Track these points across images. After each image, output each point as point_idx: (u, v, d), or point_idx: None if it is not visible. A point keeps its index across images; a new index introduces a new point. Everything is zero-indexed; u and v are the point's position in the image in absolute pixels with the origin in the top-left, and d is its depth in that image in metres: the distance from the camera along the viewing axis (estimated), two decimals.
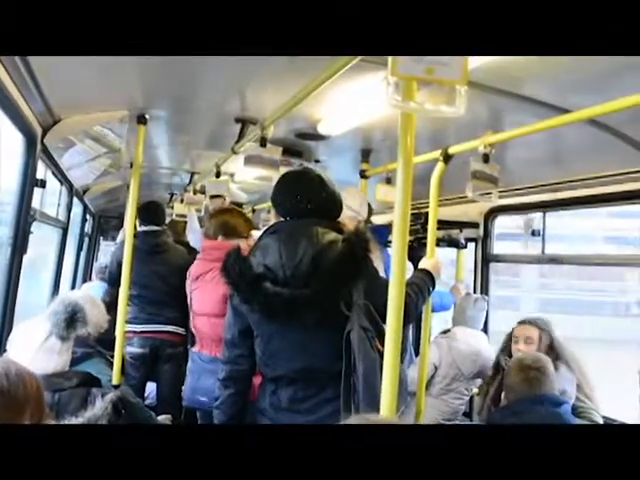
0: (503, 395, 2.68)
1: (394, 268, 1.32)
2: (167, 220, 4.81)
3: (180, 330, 4.23)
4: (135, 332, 4.16)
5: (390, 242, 4.00)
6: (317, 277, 2.01)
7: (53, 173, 3.78)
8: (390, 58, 1.11)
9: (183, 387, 3.53)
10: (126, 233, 3.11)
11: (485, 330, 3.84)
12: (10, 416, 1.47)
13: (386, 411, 1.35)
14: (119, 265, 4.45)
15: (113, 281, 4.52)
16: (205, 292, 3.17)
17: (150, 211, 4.43)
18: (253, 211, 5.77)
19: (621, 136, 2.39)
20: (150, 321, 4.19)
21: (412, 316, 2.36)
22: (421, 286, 2.29)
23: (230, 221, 3.24)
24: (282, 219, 2.25)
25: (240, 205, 5.01)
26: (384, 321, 1.99)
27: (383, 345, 1.95)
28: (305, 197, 2.18)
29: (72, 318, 2.28)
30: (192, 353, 3.33)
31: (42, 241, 4.53)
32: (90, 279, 6.63)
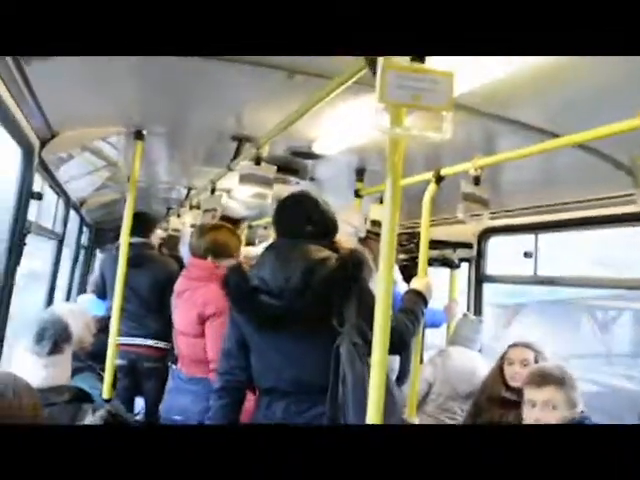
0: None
1: (380, 287, 1.35)
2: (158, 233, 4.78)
3: (161, 344, 4.16)
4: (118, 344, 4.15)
5: None
6: (308, 291, 2.07)
7: (50, 185, 3.80)
8: (377, 85, 1.14)
9: (160, 405, 3.49)
10: (121, 246, 3.11)
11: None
12: None
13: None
14: (102, 276, 4.49)
15: (98, 292, 4.55)
16: (183, 311, 3.14)
17: (134, 222, 4.42)
18: (250, 227, 5.77)
19: (610, 160, 2.43)
20: (129, 334, 4.10)
21: (410, 344, 2.38)
22: (416, 312, 2.35)
23: (220, 239, 3.21)
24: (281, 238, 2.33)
25: (238, 221, 4.99)
26: None
27: None
28: (301, 220, 2.27)
29: (42, 335, 2.21)
30: (173, 370, 3.30)
31: (38, 253, 4.54)
32: (86, 291, 6.63)
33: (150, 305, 4.20)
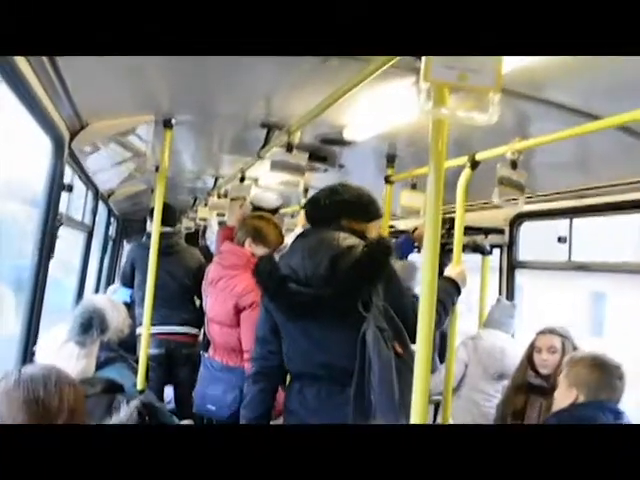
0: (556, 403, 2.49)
1: (425, 277, 1.30)
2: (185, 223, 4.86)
3: (194, 331, 4.31)
4: (151, 334, 4.19)
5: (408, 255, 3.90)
6: (335, 278, 2.12)
7: (79, 177, 3.81)
8: (423, 64, 1.11)
9: (193, 393, 3.52)
10: (152, 236, 3.10)
11: None
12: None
13: (417, 421, 1.34)
14: (132, 266, 4.55)
15: (126, 281, 4.59)
16: (218, 300, 3.12)
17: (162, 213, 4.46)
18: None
19: None
20: (164, 322, 4.20)
21: (437, 331, 2.46)
22: (446, 302, 2.30)
23: (263, 229, 3.18)
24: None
25: (275, 211, 4.90)
26: (404, 325, 2.12)
27: (401, 346, 2.10)
28: (332, 208, 2.31)
29: (89, 324, 2.28)
30: (205, 358, 3.31)
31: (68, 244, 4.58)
32: (114, 282, 6.69)
33: (185, 292, 4.32)
